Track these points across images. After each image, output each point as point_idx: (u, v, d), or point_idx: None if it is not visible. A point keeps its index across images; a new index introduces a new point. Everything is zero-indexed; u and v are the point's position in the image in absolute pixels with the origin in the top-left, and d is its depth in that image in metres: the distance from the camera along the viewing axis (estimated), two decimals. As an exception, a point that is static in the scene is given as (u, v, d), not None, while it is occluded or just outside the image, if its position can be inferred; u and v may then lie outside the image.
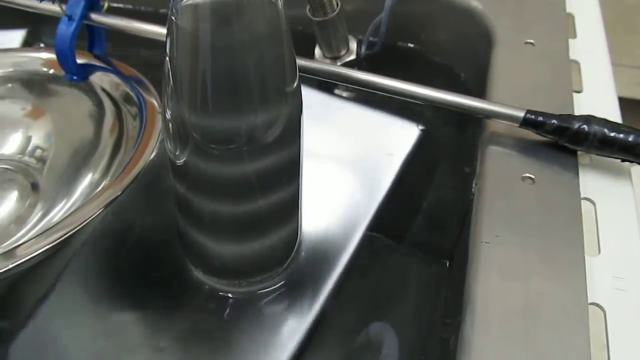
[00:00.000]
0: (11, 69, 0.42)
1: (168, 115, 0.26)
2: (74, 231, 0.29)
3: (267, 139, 0.26)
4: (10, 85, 0.42)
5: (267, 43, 0.24)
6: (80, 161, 0.38)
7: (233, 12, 0.23)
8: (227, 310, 0.33)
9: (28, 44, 0.55)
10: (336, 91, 0.49)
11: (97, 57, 0.43)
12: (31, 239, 0.29)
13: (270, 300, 0.33)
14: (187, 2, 0.23)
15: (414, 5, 0.51)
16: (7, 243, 0.34)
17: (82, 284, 0.34)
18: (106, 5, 0.42)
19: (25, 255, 0.28)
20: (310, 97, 0.41)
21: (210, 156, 0.26)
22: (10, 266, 0.27)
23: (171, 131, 0.26)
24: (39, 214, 0.35)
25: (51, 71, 0.42)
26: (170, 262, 0.35)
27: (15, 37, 0.55)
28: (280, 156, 0.27)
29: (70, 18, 0.40)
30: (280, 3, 0.24)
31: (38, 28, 0.56)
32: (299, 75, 0.27)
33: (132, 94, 0.39)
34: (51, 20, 0.41)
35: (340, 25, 0.46)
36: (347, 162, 0.42)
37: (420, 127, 0.45)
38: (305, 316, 0.32)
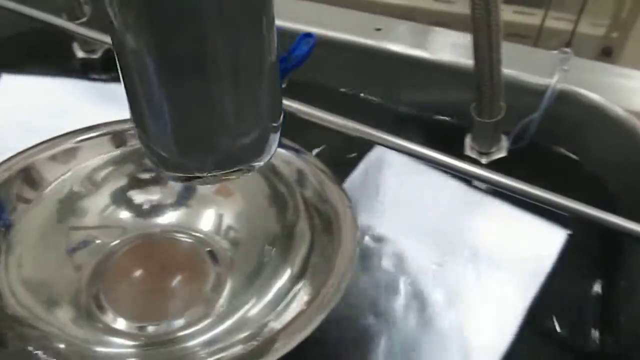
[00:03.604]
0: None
1: None
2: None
3: None
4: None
5: None
6: (272, 250, 0.38)
7: None
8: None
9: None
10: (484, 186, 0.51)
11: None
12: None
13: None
14: None
15: (566, 109, 0.51)
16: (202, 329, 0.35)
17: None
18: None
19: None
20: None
21: None
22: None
23: None
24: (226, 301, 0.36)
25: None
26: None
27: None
28: None
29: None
30: None
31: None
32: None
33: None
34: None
35: (499, 127, 0.49)
36: (495, 261, 0.44)
37: (568, 232, 0.46)
38: None
